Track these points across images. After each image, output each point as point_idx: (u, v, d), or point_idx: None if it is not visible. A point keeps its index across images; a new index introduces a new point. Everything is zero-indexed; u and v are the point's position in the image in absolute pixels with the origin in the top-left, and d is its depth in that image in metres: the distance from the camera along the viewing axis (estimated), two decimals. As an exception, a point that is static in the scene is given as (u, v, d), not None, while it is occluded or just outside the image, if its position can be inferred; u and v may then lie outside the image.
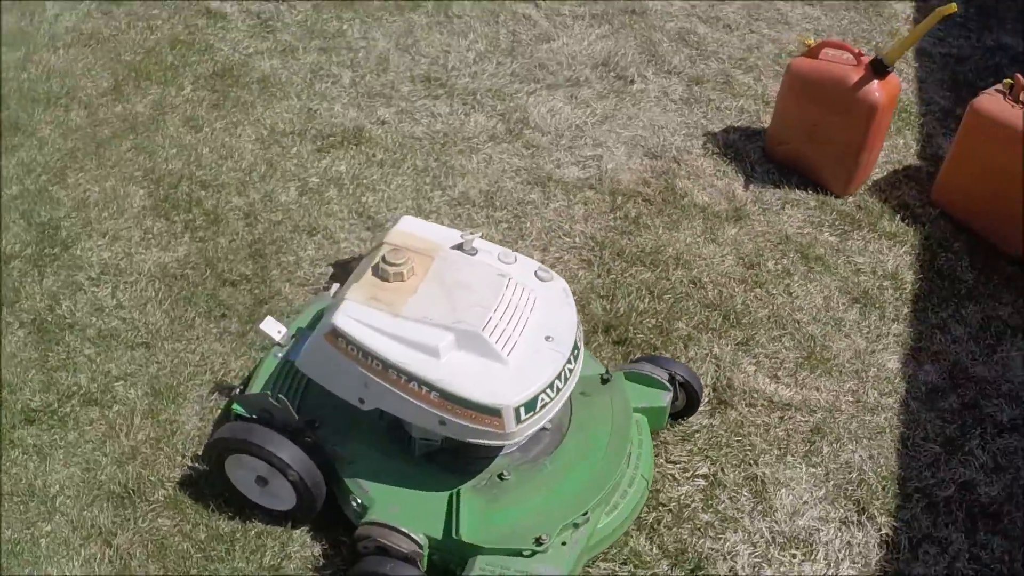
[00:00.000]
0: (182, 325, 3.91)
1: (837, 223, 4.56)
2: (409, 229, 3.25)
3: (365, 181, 4.57)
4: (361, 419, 3.24)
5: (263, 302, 4.00)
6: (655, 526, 3.40)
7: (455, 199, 4.52)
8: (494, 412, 2.90)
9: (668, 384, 3.53)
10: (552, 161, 4.77)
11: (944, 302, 4.26)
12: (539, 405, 2.97)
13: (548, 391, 2.98)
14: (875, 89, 4.37)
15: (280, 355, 3.44)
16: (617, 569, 3.27)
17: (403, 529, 3.03)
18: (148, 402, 3.64)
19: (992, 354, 4.09)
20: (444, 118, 4.97)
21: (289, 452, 3.13)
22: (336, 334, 2.96)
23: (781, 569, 3.33)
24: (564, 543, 3.05)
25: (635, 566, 3.28)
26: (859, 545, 3.42)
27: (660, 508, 3.44)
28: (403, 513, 3.08)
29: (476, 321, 2.96)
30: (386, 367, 2.92)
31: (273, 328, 3.45)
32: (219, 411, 3.64)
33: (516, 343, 3.01)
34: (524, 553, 3.01)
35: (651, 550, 3.33)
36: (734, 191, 4.69)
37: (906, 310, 4.22)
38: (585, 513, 3.11)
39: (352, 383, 3.03)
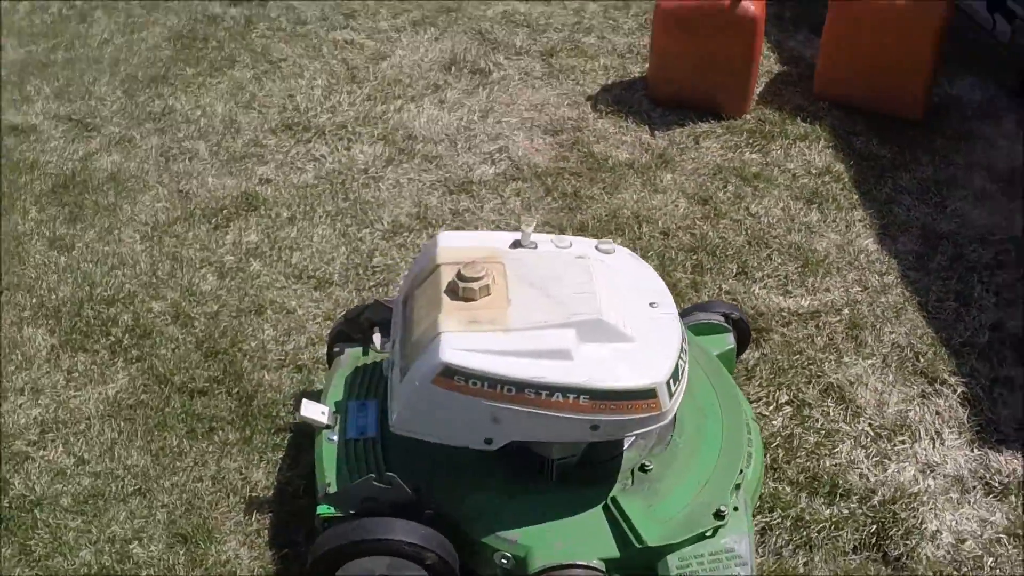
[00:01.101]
0: (170, 455, 3.22)
1: (752, 141, 4.54)
2: (455, 244, 2.81)
3: (284, 242, 4.01)
4: (464, 467, 2.80)
5: (249, 399, 3.39)
6: (775, 464, 3.17)
7: (388, 231, 4.07)
8: (649, 394, 2.55)
9: (727, 325, 3.31)
10: (461, 166, 4.42)
11: (879, 179, 4.34)
12: (680, 372, 2.66)
13: (682, 356, 2.67)
14: (750, 4, 4.37)
15: (334, 437, 2.90)
16: (767, 517, 3.01)
17: (581, 563, 2.62)
18: (182, 552, 2.96)
19: (944, 209, 4.20)
20: (328, 158, 4.48)
21: (419, 534, 2.62)
22: (450, 372, 2.49)
23: (900, 459, 3.20)
24: (736, 508, 2.76)
25: (782, 509, 3.04)
26: (946, 411, 3.37)
27: (768, 446, 3.22)
28: (569, 546, 2.65)
29: (589, 308, 2.59)
30: (520, 388, 2.50)
31: (315, 411, 2.91)
32: (267, 531, 3.02)
33: (630, 319, 2.68)
34: (707, 535, 2.69)
35: (785, 489, 3.11)
36: (645, 141, 4.55)
37: (855, 196, 4.25)
38: (741, 471, 2.84)
39: (477, 423, 2.57)
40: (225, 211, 4.17)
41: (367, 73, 5.04)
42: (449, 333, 2.55)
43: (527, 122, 4.70)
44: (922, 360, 3.52)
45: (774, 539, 2.98)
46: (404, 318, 2.79)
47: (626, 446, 2.90)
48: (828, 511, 3.04)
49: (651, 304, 2.75)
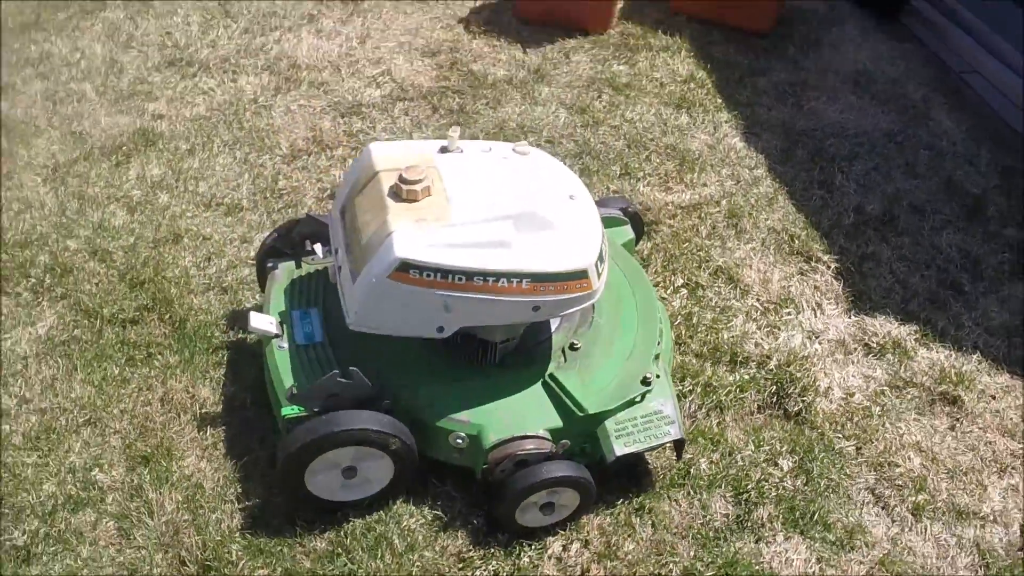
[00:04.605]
0: (113, 384, 3.26)
1: (619, 55, 4.82)
2: (387, 153, 2.94)
3: (189, 173, 4.02)
4: (414, 361, 3.01)
5: (182, 322, 3.45)
6: (680, 340, 3.50)
7: (287, 155, 4.13)
8: (581, 274, 2.80)
9: (624, 218, 3.59)
10: (348, 90, 4.51)
11: (739, 83, 4.71)
12: (603, 254, 2.93)
13: (603, 240, 2.94)
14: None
15: (284, 345, 3.04)
16: (679, 386, 3.34)
17: (530, 433, 2.89)
18: (145, 472, 3.03)
19: (801, 108, 4.61)
20: (217, 91, 4.47)
21: (383, 422, 2.81)
22: (405, 267, 2.66)
23: (788, 328, 3.59)
24: (658, 375, 3.07)
25: (691, 377, 3.37)
26: (822, 284, 3.78)
27: (672, 325, 3.53)
28: (517, 420, 2.91)
29: (521, 203, 2.82)
30: (469, 277, 2.70)
31: (264, 322, 3.04)
32: (223, 444, 3.14)
33: (556, 210, 2.92)
34: (636, 400, 2.99)
35: (692, 360, 3.44)
36: (520, 59, 4.76)
37: (718, 100, 4.60)
38: (658, 343, 3.15)
39: (430, 313, 2.75)
40: (124, 148, 4.14)
41: (240, 8, 5.03)
42: (400, 232, 2.73)
43: (404, 46, 4.82)
44: (796, 241, 3.92)
45: (688, 404, 3.32)
46: (346, 226, 2.94)
47: (554, 328, 3.17)
48: (732, 377, 3.40)
49: (570, 197, 3.00)
